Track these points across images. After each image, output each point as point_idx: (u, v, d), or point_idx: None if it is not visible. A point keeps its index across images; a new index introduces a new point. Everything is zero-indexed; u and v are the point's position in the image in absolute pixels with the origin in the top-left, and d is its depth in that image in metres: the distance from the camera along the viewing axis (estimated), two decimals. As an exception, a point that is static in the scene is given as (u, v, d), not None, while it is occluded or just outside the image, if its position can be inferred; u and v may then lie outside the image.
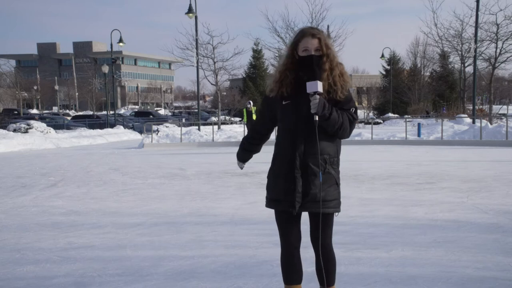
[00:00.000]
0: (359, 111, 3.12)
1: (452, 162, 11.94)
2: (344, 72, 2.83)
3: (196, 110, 36.32)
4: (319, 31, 2.82)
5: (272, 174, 2.92)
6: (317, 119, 2.69)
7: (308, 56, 2.77)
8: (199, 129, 22.95)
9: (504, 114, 30.00)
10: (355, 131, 17.56)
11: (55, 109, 73.48)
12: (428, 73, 51.22)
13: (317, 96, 2.68)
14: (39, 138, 20.61)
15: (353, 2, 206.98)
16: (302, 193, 2.77)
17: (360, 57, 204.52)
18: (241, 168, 3.25)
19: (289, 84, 2.81)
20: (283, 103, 2.82)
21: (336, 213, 2.88)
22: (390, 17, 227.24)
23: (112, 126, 32.06)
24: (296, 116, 2.77)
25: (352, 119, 2.81)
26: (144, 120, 36.40)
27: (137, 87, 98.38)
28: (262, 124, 3.05)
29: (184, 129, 22.29)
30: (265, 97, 2.97)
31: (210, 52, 27.16)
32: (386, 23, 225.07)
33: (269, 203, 2.95)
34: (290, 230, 2.90)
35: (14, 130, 22.83)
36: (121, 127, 31.30)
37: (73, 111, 72.49)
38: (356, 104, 2.73)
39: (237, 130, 26.32)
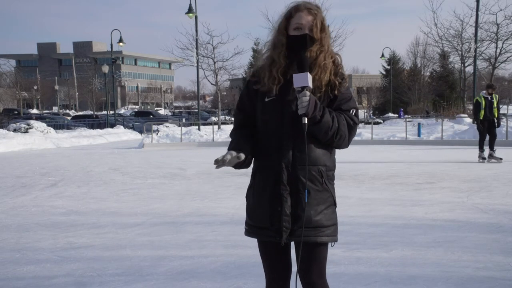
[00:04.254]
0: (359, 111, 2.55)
1: (452, 162, 11.94)
2: (340, 65, 2.28)
3: (196, 110, 36.31)
4: (318, 8, 2.24)
5: (253, 193, 2.33)
6: (306, 122, 2.11)
7: (300, 35, 2.19)
8: (199, 129, 22.91)
9: (504, 114, 29.97)
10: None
11: (55, 109, 73.51)
12: (428, 73, 51.21)
13: (307, 93, 2.10)
14: (39, 138, 20.59)
15: (353, 2, 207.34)
16: (291, 216, 2.19)
17: (360, 57, 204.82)
18: (239, 158, 2.20)
19: (279, 73, 2.23)
20: (266, 100, 2.24)
21: (333, 243, 2.28)
22: (390, 17, 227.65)
23: (112, 126, 32.03)
24: (283, 116, 2.20)
25: (352, 123, 2.23)
26: (144, 120, 36.35)
27: (137, 87, 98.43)
28: (244, 118, 2.38)
29: (184, 129, 22.26)
30: (246, 87, 2.36)
31: (210, 52, 27.10)
32: (386, 23, 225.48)
33: (251, 232, 2.35)
34: (277, 262, 2.34)
35: (14, 130, 22.79)
36: (121, 127, 31.27)
37: (73, 111, 72.54)
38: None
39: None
